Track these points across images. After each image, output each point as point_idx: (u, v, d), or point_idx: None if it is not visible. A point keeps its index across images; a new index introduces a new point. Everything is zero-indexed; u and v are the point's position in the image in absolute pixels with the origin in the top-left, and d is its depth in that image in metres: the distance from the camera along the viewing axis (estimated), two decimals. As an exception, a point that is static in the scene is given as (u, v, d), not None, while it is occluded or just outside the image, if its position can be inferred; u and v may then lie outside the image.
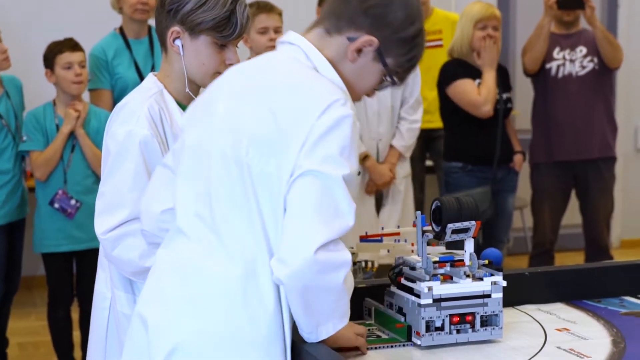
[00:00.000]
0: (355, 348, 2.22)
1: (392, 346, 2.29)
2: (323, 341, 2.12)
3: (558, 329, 2.45)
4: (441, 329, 2.24)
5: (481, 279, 2.26)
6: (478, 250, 2.37)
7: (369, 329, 2.42)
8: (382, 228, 2.89)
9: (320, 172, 2.04)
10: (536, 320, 2.53)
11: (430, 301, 2.22)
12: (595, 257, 5.72)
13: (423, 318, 2.22)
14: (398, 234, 2.86)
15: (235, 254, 2.11)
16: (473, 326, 2.26)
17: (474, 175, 5.31)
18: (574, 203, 5.88)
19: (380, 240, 2.81)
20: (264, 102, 2.13)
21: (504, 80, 5.38)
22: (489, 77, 5.17)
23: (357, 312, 2.52)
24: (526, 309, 2.64)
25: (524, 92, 6.88)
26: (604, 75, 5.65)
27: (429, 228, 2.31)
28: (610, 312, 2.60)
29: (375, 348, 2.28)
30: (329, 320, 2.11)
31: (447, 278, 2.27)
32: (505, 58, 7.58)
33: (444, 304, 2.23)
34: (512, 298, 2.66)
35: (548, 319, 2.54)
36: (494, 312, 2.27)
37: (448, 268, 2.29)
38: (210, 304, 2.12)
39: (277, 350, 2.10)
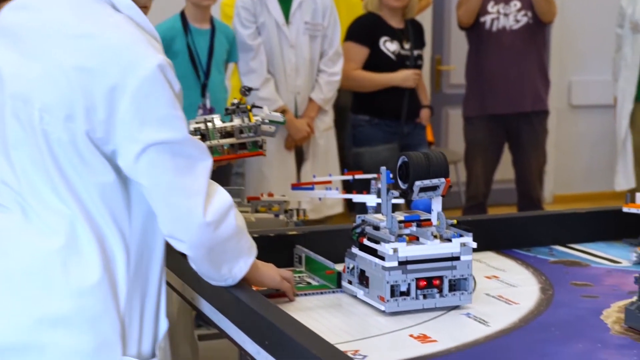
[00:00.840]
0: (283, 295, 2.20)
1: (321, 293, 2.28)
2: (248, 282, 2.07)
3: (487, 277, 2.45)
4: (407, 293, 2.09)
5: (449, 240, 2.12)
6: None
7: (298, 276, 2.41)
8: (314, 177, 2.88)
9: (161, 141, 1.87)
10: (466, 268, 2.54)
11: (395, 264, 2.06)
12: (527, 211, 5.76)
13: (388, 282, 2.07)
14: (330, 182, 2.85)
15: (51, 224, 1.90)
16: (441, 291, 2.11)
17: (381, 129, 5.28)
18: (506, 157, 5.91)
19: (312, 189, 2.79)
20: (54, 58, 1.89)
21: (417, 36, 5.37)
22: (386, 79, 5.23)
23: (288, 259, 2.51)
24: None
25: (458, 46, 6.89)
26: (537, 29, 5.66)
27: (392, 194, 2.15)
28: (539, 261, 2.62)
29: (305, 294, 2.27)
30: (238, 259, 2.04)
31: (413, 239, 2.13)
32: (440, 11, 7.59)
33: (410, 267, 2.08)
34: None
35: (478, 267, 2.55)
36: (463, 275, 2.12)
37: (414, 228, 2.14)
38: (28, 280, 1.89)
39: (105, 326, 1.90)
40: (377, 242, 2.12)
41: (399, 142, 5.27)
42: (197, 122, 2.61)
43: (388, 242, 2.08)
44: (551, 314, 2.14)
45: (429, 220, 2.16)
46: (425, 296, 2.10)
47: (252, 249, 2.09)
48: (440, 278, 2.11)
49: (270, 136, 2.66)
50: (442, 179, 2.09)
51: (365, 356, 1.86)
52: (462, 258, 2.12)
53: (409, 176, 2.09)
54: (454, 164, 7.32)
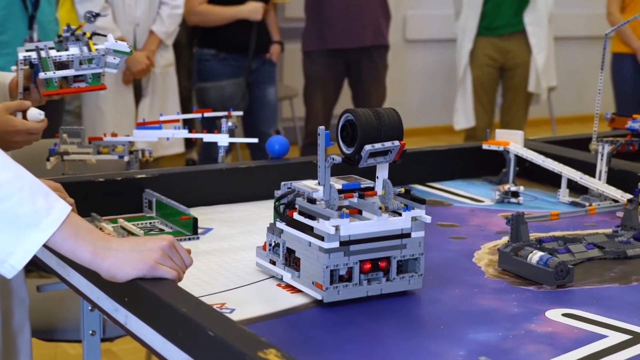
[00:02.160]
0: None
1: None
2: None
3: (350, 219, 2.34)
4: (348, 279, 1.73)
5: (399, 214, 1.76)
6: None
7: (149, 222, 2.23)
8: (161, 115, 2.70)
9: None
10: (326, 210, 2.41)
11: (337, 244, 1.69)
12: (366, 146, 5.71)
13: (327, 267, 1.70)
14: (177, 120, 2.67)
15: None
16: (387, 274, 1.77)
17: (228, 64, 5.15)
18: (345, 92, 5.83)
19: (159, 128, 2.61)
20: None
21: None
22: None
23: (137, 205, 2.33)
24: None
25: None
26: (377, -38, 5.58)
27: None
28: (400, 201, 2.52)
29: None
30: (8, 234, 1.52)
31: (355, 212, 1.76)
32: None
33: (353, 247, 1.71)
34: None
35: (338, 208, 2.43)
36: (413, 255, 1.77)
37: (355, 199, 1.78)
38: None
39: None
40: (313, 217, 1.73)
41: (245, 78, 5.12)
42: (27, 50, 2.36)
43: (328, 218, 1.69)
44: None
45: (372, 189, 1.81)
46: (369, 281, 1.75)
47: (49, 215, 1.54)
48: (388, 259, 1.75)
49: (113, 69, 2.44)
50: (396, 142, 1.72)
51: (232, 309, 1.72)
52: (413, 235, 1.76)
53: (356, 138, 1.70)
54: (289, 100, 7.21)
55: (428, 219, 1.76)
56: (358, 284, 1.73)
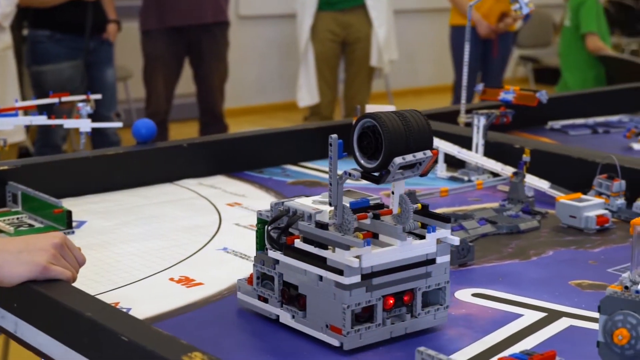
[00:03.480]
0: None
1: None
2: None
3: (229, 204, 2.25)
4: (368, 319, 1.42)
5: (422, 237, 1.45)
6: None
7: (17, 217, 2.08)
8: (16, 101, 2.52)
9: None
10: (203, 196, 2.31)
11: (358, 279, 1.38)
12: (209, 126, 5.61)
13: (348, 307, 1.38)
14: (34, 107, 2.51)
15: None
16: (411, 309, 1.47)
17: (64, 45, 4.94)
18: (186, 71, 5.69)
19: (16, 115, 2.44)
20: None
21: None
22: None
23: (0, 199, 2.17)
24: (187, 184, 2.41)
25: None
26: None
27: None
28: (277, 183, 2.44)
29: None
30: None
31: (369, 236, 1.42)
32: None
33: (375, 280, 1.40)
34: (171, 174, 2.44)
35: (214, 193, 2.33)
36: (438, 284, 1.48)
37: (369, 221, 1.45)
38: None
39: None
40: (325, 247, 1.41)
41: (83, 59, 4.91)
42: None
43: (348, 247, 1.36)
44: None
45: (382, 206, 1.49)
46: (393, 320, 1.45)
47: None
48: (412, 291, 1.46)
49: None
50: (428, 152, 1.41)
51: (128, 309, 1.60)
52: (439, 260, 1.47)
53: (381, 149, 1.39)
54: (124, 81, 7.01)
55: (456, 240, 1.47)
56: (381, 324, 1.43)
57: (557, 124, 3.12)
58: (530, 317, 1.56)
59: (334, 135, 1.38)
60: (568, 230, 2.02)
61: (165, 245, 1.95)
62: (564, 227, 2.04)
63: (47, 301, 1.42)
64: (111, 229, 2.06)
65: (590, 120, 3.16)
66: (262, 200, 2.27)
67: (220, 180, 2.46)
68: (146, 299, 1.65)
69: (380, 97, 7.99)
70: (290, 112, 8.23)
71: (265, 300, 1.52)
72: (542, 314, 1.57)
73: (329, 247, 1.40)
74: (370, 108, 2.64)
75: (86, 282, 1.70)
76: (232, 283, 1.72)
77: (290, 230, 1.46)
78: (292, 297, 1.48)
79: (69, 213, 2.01)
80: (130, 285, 1.72)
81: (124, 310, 1.58)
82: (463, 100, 2.63)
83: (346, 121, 2.76)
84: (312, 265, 1.42)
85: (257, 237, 1.54)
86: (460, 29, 5.87)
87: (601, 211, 2.03)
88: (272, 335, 1.49)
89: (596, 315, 1.56)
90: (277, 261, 1.48)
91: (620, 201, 2.11)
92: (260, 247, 1.54)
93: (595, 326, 1.51)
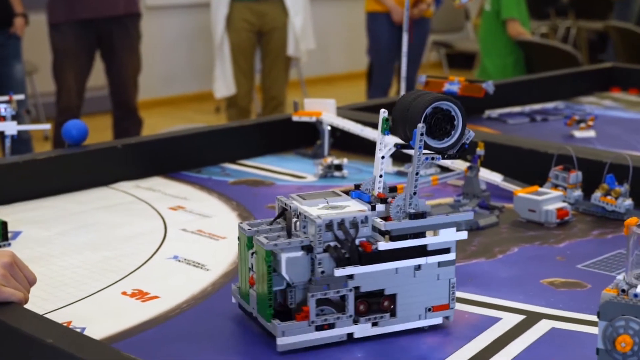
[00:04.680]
0: None
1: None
2: None
3: (172, 208, 2.14)
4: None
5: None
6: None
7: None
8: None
9: None
10: (142, 200, 2.20)
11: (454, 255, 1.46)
12: (124, 120, 5.45)
13: (453, 280, 1.44)
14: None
15: None
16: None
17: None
18: (97, 64, 5.52)
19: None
20: None
21: None
22: None
23: None
24: (124, 187, 2.30)
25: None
26: None
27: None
28: (218, 183, 2.34)
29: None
30: None
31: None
32: None
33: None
34: (106, 177, 2.32)
35: (154, 196, 2.22)
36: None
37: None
38: None
39: None
40: (417, 235, 1.40)
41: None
42: None
43: (454, 225, 1.42)
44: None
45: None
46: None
47: None
48: None
49: None
50: (471, 131, 1.47)
51: (83, 328, 1.49)
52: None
53: (455, 127, 1.44)
54: (29, 75, 6.79)
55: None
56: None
57: (494, 112, 3.08)
58: (510, 320, 1.50)
59: (420, 125, 1.38)
60: (528, 224, 1.97)
61: (111, 255, 1.83)
62: (523, 222, 1.99)
63: (1, 327, 1.30)
64: (50, 239, 1.93)
65: (527, 108, 3.13)
66: (206, 202, 2.17)
67: (158, 182, 2.35)
68: (100, 317, 1.54)
69: (294, 85, 7.90)
70: (202, 103, 8.09)
71: (330, 327, 1.38)
72: (521, 317, 1.51)
73: (426, 233, 1.40)
74: (311, 103, 2.56)
75: (33, 299, 1.56)
76: (190, 295, 1.62)
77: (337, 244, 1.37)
78: (371, 304, 1.40)
79: (4, 224, 1.88)
80: (81, 302, 1.61)
81: (78, 330, 1.47)
82: (402, 91, 2.57)
83: (284, 116, 2.66)
84: (407, 259, 1.40)
85: (267, 274, 1.37)
86: (376, 15, 5.83)
87: (560, 204, 1.99)
88: (242, 348, 1.40)
89: (576, 315, 1.52)
90: (350, 276, 1.37)
91: (578, 193, 2.07)
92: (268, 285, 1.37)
93: (577, 328, 1.47)
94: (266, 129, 2.63)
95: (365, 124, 2.48)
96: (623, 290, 1.24)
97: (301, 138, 2.63)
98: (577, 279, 1.66)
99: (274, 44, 5.88)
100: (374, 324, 1.40)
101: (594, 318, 1.38)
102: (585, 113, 2.94)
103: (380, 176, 1.43)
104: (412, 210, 1.39)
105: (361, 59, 6.32)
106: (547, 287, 1.64)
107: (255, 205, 2.15)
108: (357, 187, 1.46)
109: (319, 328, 1.37)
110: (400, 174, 2.37)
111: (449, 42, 9.24)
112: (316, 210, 1.41)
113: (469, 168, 2.09)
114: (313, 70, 8.67)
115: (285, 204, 1.46)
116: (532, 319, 1.50)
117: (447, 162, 2.28)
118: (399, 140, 1.45)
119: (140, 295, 1.63)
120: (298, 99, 2.64)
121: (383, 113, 1.41)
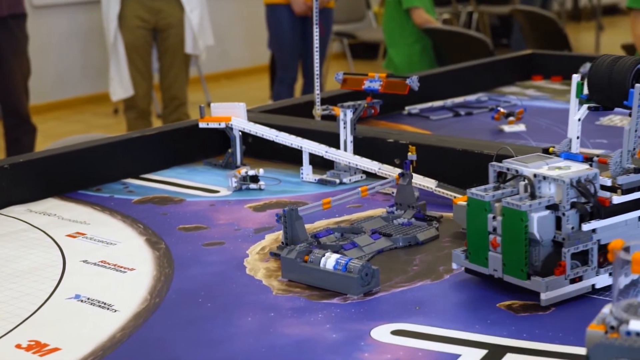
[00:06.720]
0: None
1: None
2: None
3: (70, 235, 1.89)
4: None
5: None
6: None
7: None
8: None
9: None
10: (36, 227, 1.95)
11: None
12: (15, 128, 5.14)
13: None
14: None
15: None
16: None
17: None
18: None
19: None
20: None
21: None
22: None
23: None
24: (14, 213, 2.04)
25: None
26: None
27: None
28: (121, 202, 2.10)
29: None
30: None
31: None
32: None
33: None
34: (-7, 201, 2.07)
35: (49, 222, 1.98)
36: None
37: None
38: None
39: None
40: (631, 190, 1.49)
41: None
42: None
43: None
44: (184, 279, 1.65)
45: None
46: None
47: None
48: None
49: None
50: None
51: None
52: None
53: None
54: None
55: None
56: None
57: (415, 108, 2.89)
58: (470, 356, 1.31)
59: (577, 75, 1.55)
60: (471, 236, 1.78)
61: (1, 298, 1.58)
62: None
63: None
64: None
65: (449, 102, 2.95)
66: (108, 227, 1.93)
67: (54, 205, 2.10)
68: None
69: (194, 83, 7.64)
70: (99, 105, 7.77)
71: (579, 279, 1.47)
72: (483, 351, 1.32)
73: None
74: (218, 107, 2.34)
75: None
76: (96, 345, 1.39)
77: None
78: (604, 256, 1.50)
79: None
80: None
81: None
82: (317, 90, 2.35)
83: (190, 122, 2.43)
84: (635, 211, 1.50)
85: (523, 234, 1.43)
86: (276, 7, 5.62)
87: (505, 212, 1.80)
88: None
89: (544, 347, 1.34)
90: (594, 230, 1.47)
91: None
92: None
93: (549, 362, 1.29)
94: (171, 137, 2.40)
95: (280, 128, 2.27)
96: (612, 327, 1.05)
97: (210, 146, 2.41)
98: (535, 300, 1.47)
99: (171, 41, 5.62)
100: (610, 274, 1.48)
101: (567, 349, 1.21)
102: (511, 105, 2.77)
103: (577, 137, 1.55)
104: (631, 166, 1.49)
105: (262, 53, 6.11)
106: (504, 311, 1.45)
107: (165, 227, 1.92)
108: (546, 150, 1.56)
109: (572, 281, 1.46)
110: (322, 182, 2.17)
111: (352, 32, 9.06)
112: (547, 170, 1.47)
113: (401, 175, 1.89)
114: (213, 66, 8.41)
115: (508, 169, 1.51)
116: (495, 354, 1.31)
117: (373, 167, 2.08)
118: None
119: (38, 347, 1.39)
120: (204, 103, 2.41)
121: (575, 78, 1.55)
